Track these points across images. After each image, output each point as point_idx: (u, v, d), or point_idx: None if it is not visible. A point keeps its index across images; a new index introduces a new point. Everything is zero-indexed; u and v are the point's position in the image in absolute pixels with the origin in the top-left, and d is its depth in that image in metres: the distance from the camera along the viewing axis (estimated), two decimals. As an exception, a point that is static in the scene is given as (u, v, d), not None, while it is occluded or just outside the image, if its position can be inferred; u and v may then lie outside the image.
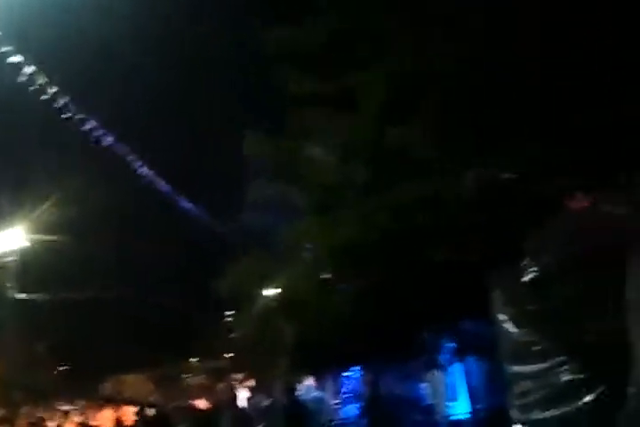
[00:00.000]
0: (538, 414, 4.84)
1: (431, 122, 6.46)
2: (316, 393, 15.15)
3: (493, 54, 5.76)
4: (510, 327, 5.18)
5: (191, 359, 38.57)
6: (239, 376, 32.35)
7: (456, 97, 6.08)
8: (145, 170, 18.45)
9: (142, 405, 18.46)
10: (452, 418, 11.08)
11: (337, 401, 15.85)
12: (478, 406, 9.87)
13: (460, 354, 10.29)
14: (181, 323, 36.02)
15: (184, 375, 37.05)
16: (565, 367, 4.49)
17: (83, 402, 23.42)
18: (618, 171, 5.47)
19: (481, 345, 9.88)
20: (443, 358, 10.57)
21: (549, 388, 4.64)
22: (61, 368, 31.14)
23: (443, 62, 6.04)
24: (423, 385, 11.92)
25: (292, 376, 19.00)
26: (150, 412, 12.35)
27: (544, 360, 4.69)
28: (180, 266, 33.50)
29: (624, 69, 4.83)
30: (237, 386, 22.55)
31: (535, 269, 4.84)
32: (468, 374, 10.30)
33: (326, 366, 11.50)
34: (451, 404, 11.53)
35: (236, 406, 9.76)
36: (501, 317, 5.32)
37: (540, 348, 4.78)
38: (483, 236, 7.33)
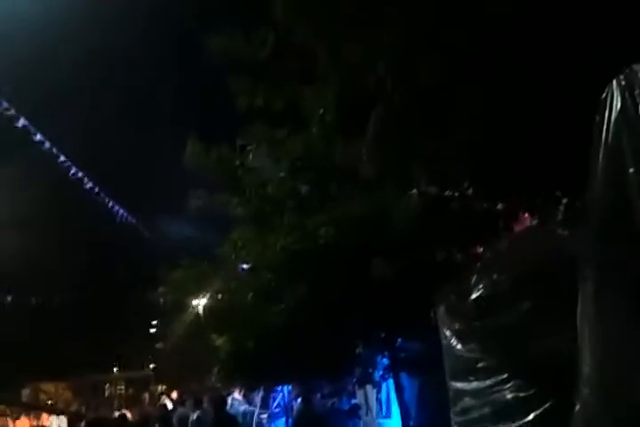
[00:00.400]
0: (479, 432, 4.80)
1: (376, 141, 6.46)
2: (244, 406, 14.88)
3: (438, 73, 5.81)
4: (455, 343, 5.13)
5: (114, 369, 37.56)
6: (162, 388, 31.72)
7: (401, 116, 6.10)
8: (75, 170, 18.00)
9: (65, 413, 17.83)
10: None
11: (265, 415, 15.62)
12: (411, 424, 9.81)
13: (393, 370, 10.25)
14: (104, 331, 35.04)
15: (106, 385, 36.00)
16: (510, 384, 4.46)
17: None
18: (562, 191, 5.56)
19: (415, 361, 9.91)
20: (376, 374, 10.52)
21: (492, 405, 4.61)
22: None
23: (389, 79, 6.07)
24: (356, 401, 11.82)
25: (222, 388, 18.65)
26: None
27: (488, 377, 4.65)
28: (106, 273, 32.62)
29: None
30: (162, 398, 21.94)
31: (482, 286, 4.82)
32: (400, 390, 10.23)
33: (257, 379, 11.24)
34: (384, 421, 11.48)
35: (169, 419, 9.44)
36: (447, 332, 5.28)
37: (484, 364, 4.74)
38: (427, 252, 7.37)
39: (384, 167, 6.65)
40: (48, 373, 33.32)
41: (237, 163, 11.88)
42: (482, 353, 4.77)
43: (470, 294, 4.84)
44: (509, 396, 4.45)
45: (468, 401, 4.96)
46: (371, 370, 10.47)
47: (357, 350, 10.39)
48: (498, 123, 5.68)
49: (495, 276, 4.73)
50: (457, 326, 5.12)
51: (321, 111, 6.89)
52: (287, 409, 14.93)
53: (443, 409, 9.41)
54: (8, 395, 27.14)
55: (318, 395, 11.08)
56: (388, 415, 11.51)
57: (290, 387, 14.77)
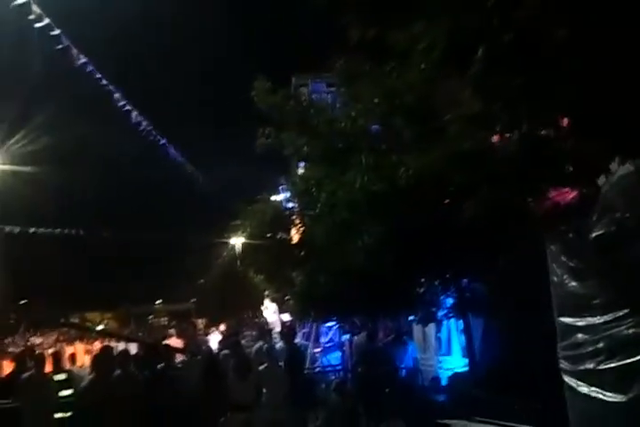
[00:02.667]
0: (591, 366, 4.92)
1: (482, 77, 6.36)
2: (297, 340, 15.28)
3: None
4: (568, 280, 5.21)
5: (156, 302, 38.77)
6: (203, 321, 32.64)
7: (508, 54, 5.98)
8: (132, 109, 18.07)
9: (122, 339, 18.49)
10: (446, 371, 11.31)
11: (319, 349, 16.09)
12: (475, 361, 10.05)
13: (458, 310, 10.42)
14: (149, 266, 36.03)
15: (150, 317, 37.18)
16: (629, 320, 4.54)
17: (52, 336, 23.23)
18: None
19: (480, 302, 10.06)
20: (440, 312, 10.71)
21: (609, 340, 4.70)
22: (22, 302, 30.87)
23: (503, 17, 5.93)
24: (418, 339, 12.09)
25: (267, 323, 19.17)
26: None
27: (604, 313, 4.74)
28: (154, 208, 33.22)
29: None
30: (211, 330, 22.61)
31: (604, 224, 4.84)
32: (466, 329, 10.44)
33: (327, 312, 11.55)
34: (443, 358, 11.76)
35: (240, 348, 9.75)
36: (558, 270, 5.35)
37: (600, 301, 4.82)
38: (522, 194, 7.34)
39: (486, 106, 6.59)
40: (94, 303, 34.54)
41: (306, 100, 11.87)
42: (599, 289, 4.83)
43: (590, 232, 4.87)
44: (628, 331, 4.53)
45: (579, 337, 5.06)
46: (434, 309, 10.66)
47: (422, 289, 10.57)
48: (605, 66, 5.56)
49: (618, 214, 4.74)
50: (573, 263, 5.17)
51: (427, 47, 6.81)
52: (340, 344, 15.35)
53: (507, 348, 9.67)
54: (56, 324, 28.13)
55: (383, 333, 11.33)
56: (448, 353, 11.78)
57: (340, 323, 15.09)
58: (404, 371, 10.98)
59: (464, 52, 6.35)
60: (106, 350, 9.43)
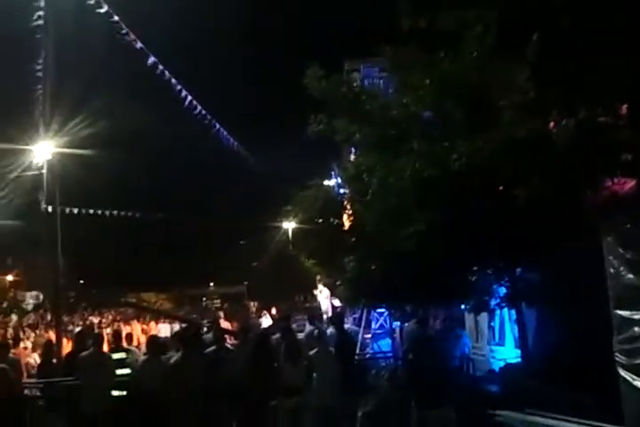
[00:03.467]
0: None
1: (537, 62, 6.21)
2: (348, 326, 15.37)
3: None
4: (625, 272, 5.07)
5: (210, 284, 39.42)
6: (255, 304, 33.03)
7: (566, 38, 5.81)
8: (187, 94, 18.30)
9: (178, 319, 18.93)
10: (498, 361, 11.20)
11: (369, 335, 16.13)
12: (528, 352, 9.92)
13: (511, 299, 10.28)
14: (202, 248, 36.61)
15: (203, 299, 37.83)
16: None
17: (109, 315, 23.90)
18: None
19: (535, 292, 9.89)
20: (493, 301, 10.58)
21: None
22: (81, 282, 31.82)
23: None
24: (470, 327, 11.99)
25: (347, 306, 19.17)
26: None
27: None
28: (206, 192, 33.65)
29: None
30: (263, 313, 22.89)
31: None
32: (519, 319, 10.30)
33: (378, 298, 11.56)
34: (496, 348, 11.64)
35: (291, 333, 9.84)
36: (615, 262, 5.21)
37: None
38: (577, 182, 7.17)
39: (541, 92, 6.43)
40: (150, 285, 35.37)
41: (358, 86, 11.80)
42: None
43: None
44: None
45: (636, 330, 4.93)
46: (487, 298, 10.54)
47: (474, 277, 10.45)
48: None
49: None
50: (629, 255, 5.04)
51: (479, 32, 6.69)
52: (391, 331, 15.35)
53: (561, 340, 9.51)
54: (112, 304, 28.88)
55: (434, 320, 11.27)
56: (501, 343, 11.65)
57: (391, 310, 15.06)
58: (456, 360, 10.91)
59: (518, 37, 6.22)
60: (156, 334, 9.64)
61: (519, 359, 10.29)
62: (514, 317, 10.68)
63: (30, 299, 27.64)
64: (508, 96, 7.00)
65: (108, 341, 10.81)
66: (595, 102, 6.22)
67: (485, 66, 7.13)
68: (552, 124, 6.60)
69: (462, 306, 11.44)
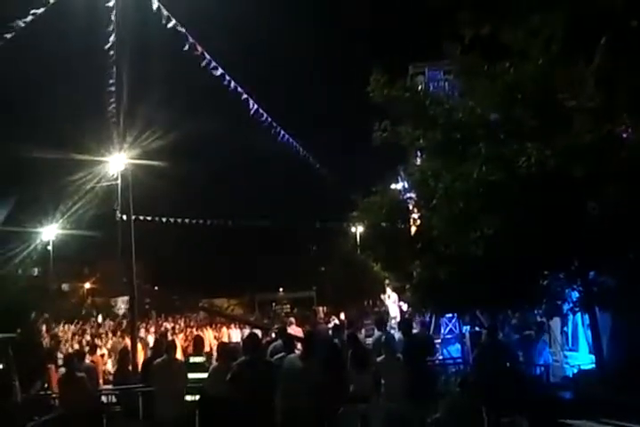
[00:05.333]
0: None
1: (605, 67, 6.07)
2: (415, 331, 15.19)
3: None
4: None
5: (279, 290, 39.80)
6: (324, 309, 33.15)
7: (635, 40, 5.65)
8: (257, 106, 18.59)
9: (249, 325, 19.23)
10: (572, 368, 10.90)
11: (438, 340, 15.93)
12: (602, 358, 9.61)
13: (585, 304, 10.00)
14: (272, 254, 37.06)
15: (273, 304, 38.22)
16: None
17: (182, 321, 24.46)
18: None
19: (609, 296, 9.57)
20: (565, 306, 10.31)
21: None
22: (155, 288, 32.63)
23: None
24: (542, 333, 11.69)
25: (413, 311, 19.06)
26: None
27: None
28: (276, 199, 34.07)
29: None
30: (331, 318, 22.95)
31: None
32: (593, 324, 9.99)
33: (446, 304, 11.44)
34: (569, 353, 11.33)
35: (357, 340, 9.85)
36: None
37: None
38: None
39: (610, 97, 6.29)
40: (221, 291, 36.03)
41: (422, 90, 11.74)
42: None
43: None
44: None
45: None
46: (559, 302, 10.28)
47: (546, 282, 10.22)
48: None
49: None
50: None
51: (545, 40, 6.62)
52: (460, 336, 15.12)
53: (638, 346, 9.17)
54: (186, 309, 29.52)
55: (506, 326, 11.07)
56: (575, 349, 11.34)
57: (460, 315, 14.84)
58: (537, 368, 10.62)
59: (585, 42, 6.10)
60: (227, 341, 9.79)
61: (593, 365, 9.99)
62: (587, 321, 10.38)
63: (122, 304, 28.50)
64: (577, 101, 6.89)
65: (182, 347, 11.08)
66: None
67: (552, 71, 7.03)
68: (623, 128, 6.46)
69: (535, 311, 11.20)
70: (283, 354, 8.90)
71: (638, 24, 5.57)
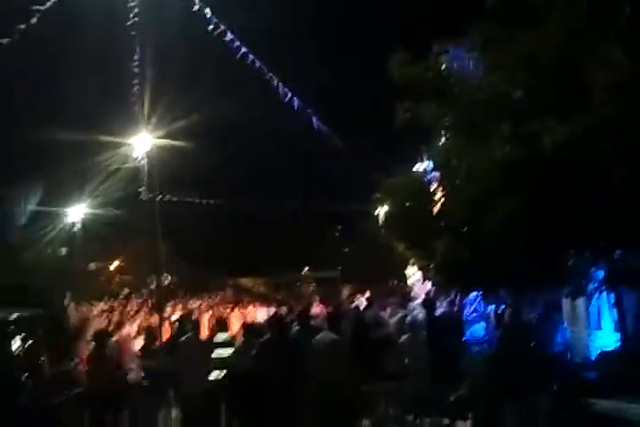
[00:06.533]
0: None
1: (626, 36, 5.91)
2: (442, 309, 15.20)
3: None
4: None
5: (305, 269, 39.99)
6: (349, 288, 33.25)
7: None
8: (281, 87, 18.56)
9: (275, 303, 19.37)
10: (597, 348, 10.84)
11: (459, 320, 15.87)
12: (628, 338, 9.54)
13: (610, 283, 9.90)
14: (295, 234, 37.23)
15: (297, 284, 38.44)
16: None
17: (208, 301, 24.69)
18: None
19: (634, 275, 9.47)
20: (590, 285, 10.22)
21: None
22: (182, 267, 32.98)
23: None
24: (566, 312, 11.65)
25: (408, 291, 19.16)
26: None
27: None
28: (301, 179, 34.10)
29: None
30: (357, 297, 23.04)
31: None
32: (617, 304, 9.91)
33: (471, 284, 11.42)
34: (595, 333, 11.27)
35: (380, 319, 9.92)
36: None
37: None
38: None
39: (637, 67, 6.13)
40: (247, 270, 36.33)
41: (445, 69, 11.59)
42: None
43: None
44: None
45: None
46: (584, 282, 10.19)
47: (571, 261, 10.13)
48: None
49: None
50: None
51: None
52: (485, 315, 15.08)
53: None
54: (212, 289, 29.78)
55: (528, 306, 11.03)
56: (599, 328, 11.27)
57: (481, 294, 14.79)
58: (559, 346, 10.62)
59: (609, 8, 5.93)
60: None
61: (618, 344, 9.93)
62: (612, 300, 10.29)
63: (169, 278, 28.75)
64: (602, 73, 6.70)
65: (209, 325, 11.24)
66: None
67: (575, 41, 6.84)
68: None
69: (558, 291, 11.13)
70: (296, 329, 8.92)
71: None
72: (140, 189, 20.57)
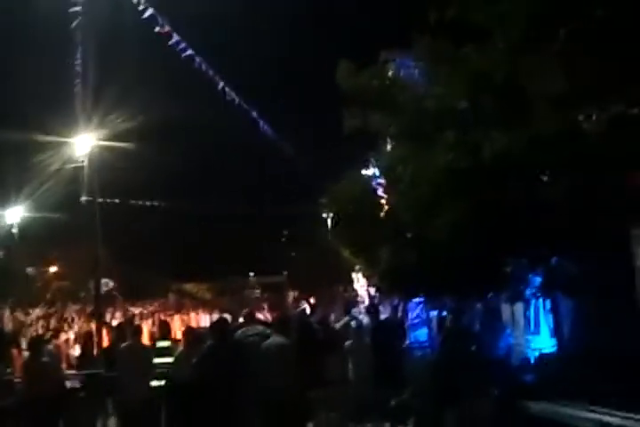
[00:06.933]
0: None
1: (566, 54, 6.12)
2: (386, 315, 15.33)
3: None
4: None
5: (250, 274, 39.71)
6: (295, 293, 33.22)
7: (596, 27, 5.70)
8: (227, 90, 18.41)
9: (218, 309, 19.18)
10: (533, 351, 11.09)
11: (402, 325, 16.05)
12: (564, 342, 9.82)
13: (546, 289, 10.18)
14: (240, 238, 36.96)
15: (245, 290, 38.11)
16: None
17: (149, 307, 24.31)
18: None
19: (571, 282, 9.75)
20: (528, 291, 10.48)
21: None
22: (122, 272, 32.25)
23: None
24: (504, 318, 11.89)
25: (354, 296, 19.27)
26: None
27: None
28: (245, 184, 33.91)
29: None
30: (301, 303, 23.00)
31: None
32: (553, 310, 10.19)
33: (413, 290, 11.57)
34: (532, 338, 11.53)
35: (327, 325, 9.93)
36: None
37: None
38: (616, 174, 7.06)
39: (575, 84, 6.33)
40: (191, 276, 35.85)
41: (390, 79, 11.76)
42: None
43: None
44: None
45: None
46: (522, 288, 10.45)
47: (510, 268, 10.37)
48: None
49: None
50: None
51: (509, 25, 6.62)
52: (427, 321, 15.29)
53: (598, 330, 9.37)
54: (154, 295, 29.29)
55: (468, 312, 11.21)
56: (537, 332, 11.55)
57: (423, 300, 14.99)
58: (501, 350, 10.80)
59: (549, 29, 6.13)
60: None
61: (554, 348, 10.20)
62: (549, 306, 10.58)
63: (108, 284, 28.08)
64: (540, 89, 6.92)
65: (149, 332, 11.06)
66: (625, 94, 6.13)
67: (516, 59, 7.05)
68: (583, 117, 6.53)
69: (496, 296, 11.36)
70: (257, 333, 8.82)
71: (602, 12, 5.61)
72: (80, 191, 20.12)
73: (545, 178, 8.65)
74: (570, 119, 6.62)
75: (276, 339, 8.23)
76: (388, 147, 13.03)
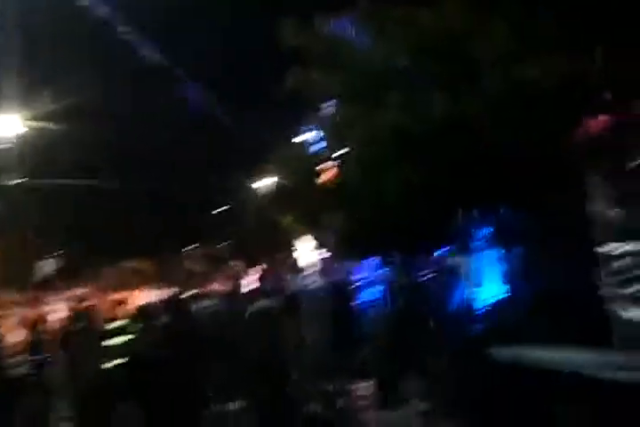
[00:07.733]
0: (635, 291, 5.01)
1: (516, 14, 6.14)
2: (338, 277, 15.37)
3: None
4: (610, 209, 5.18)
5: (192, 246, 39.24)
6: (239, 263, 33.02)
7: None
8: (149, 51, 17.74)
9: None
10: (485, 301, 11.29)
11: (357, 284, 16.17)
12: (514, 290, 10.01)
13: (492, 240, 10.35)
14: (178, 212, 36.45)
15: (185, 262, 37.67)
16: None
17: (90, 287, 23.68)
18: None
19: (517, 233, 9.93)
20: (476, 243, 10.63)
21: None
22: (55, 254, 31.36)
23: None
24: (453, 270, 12.05)
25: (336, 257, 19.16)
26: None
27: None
28: (183, 157, 33.18)
29: None
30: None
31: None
32: (500, 260, 10.37)
33: (368, 250, 11.61)
34: (477, 289, 11.74)
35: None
36: (600, 199, 5.31)
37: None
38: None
39: (521, 43, 6.35)
40: (130, 252, 35.13)
41: (337, 38, 11.49)
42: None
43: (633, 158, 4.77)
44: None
45: (622, 262, 5.12)
46: (471, 240, 10.59)
47: (457, 220, 10.48)
48: None
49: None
50: (614, 190, 5.13)
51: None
52: (378, 279, 15.43)
53: (548, 276, 9.59)
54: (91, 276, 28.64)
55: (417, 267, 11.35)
56: (488, 282, 11.76)
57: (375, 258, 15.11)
58: (451, 306, 10.96)
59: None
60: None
61: (505, 296, 10.41)
62: (498, 257, 10.77)
63: (46, 267, 27.17)
64: (488, 48, 6.89)
65: (97, 313, 10.77)
66: (573, 47, 6.19)
67: (465, 18, 6.99)
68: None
69: (446, 249, 11.50)
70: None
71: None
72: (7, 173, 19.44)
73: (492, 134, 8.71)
74: (517, 77, 6.63)
75: (264, 302, 8.27)
76: (332, 109, 12.80)
